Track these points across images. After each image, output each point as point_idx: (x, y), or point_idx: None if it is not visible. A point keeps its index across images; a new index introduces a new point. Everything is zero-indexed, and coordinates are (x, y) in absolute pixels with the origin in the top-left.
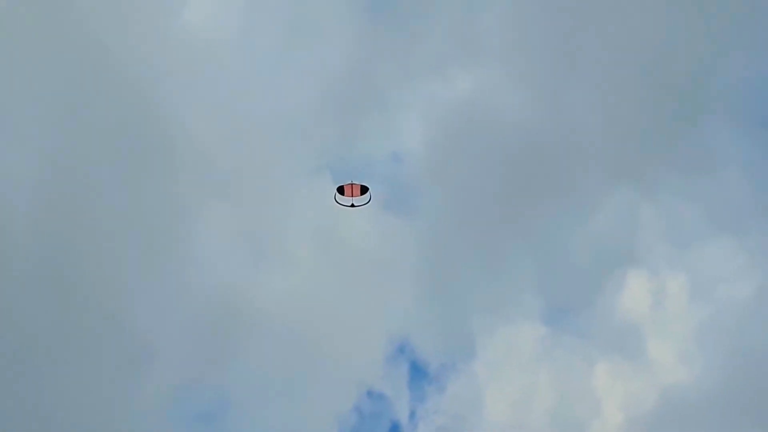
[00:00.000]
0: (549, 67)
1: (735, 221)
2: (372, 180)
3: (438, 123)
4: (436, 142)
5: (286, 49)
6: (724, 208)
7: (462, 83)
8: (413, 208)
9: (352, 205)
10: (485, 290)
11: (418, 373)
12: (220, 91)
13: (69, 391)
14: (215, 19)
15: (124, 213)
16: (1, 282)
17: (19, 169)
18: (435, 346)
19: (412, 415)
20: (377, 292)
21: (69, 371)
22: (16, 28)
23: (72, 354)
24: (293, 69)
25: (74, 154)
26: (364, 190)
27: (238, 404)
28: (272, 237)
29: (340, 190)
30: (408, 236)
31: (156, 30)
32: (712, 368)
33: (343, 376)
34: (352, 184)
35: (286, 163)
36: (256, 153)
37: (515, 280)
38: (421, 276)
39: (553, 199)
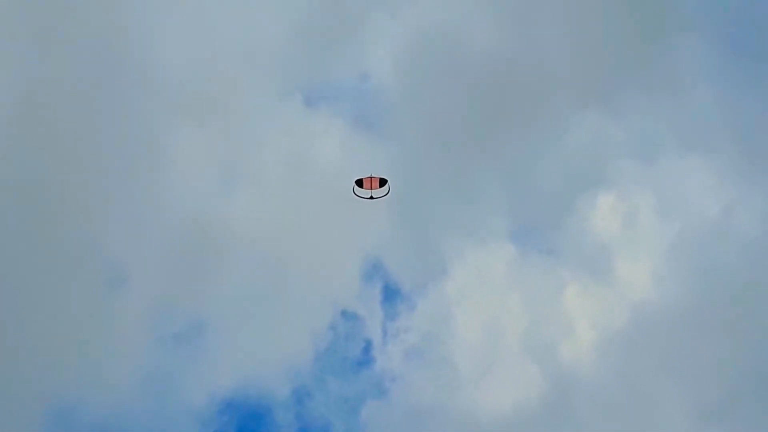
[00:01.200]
0: None
1: (704, 140)
2: (343, 102)
3: (409, 48)
4: (406, 66)
5: None
6: (693, 128)
7: (433, 8)
8: (384, 130)
9: (371, 197)
10: (456, 212)
11: (390, 293)
12: (192, 16)
13: (43, 315)
14: None
15: (97, 138)
16: None
17: None
18: (407, 267)
19: (385, 334)
20: (349, 214)
21: (43, 295)
22: None
23: (46, 278)
24: None
25: (47, 80)
26: (383, 182)
27: (213, 326)
28: (245, 161)
29: (359, 183)
30: (379, 158)
31: None
32: (682, 285)
33: (318, 297)
34: (371, 177)
35: (258, 87)
36: (228, 77)
37: (486, 202)
38: (392, 197)
39: (523, 121)
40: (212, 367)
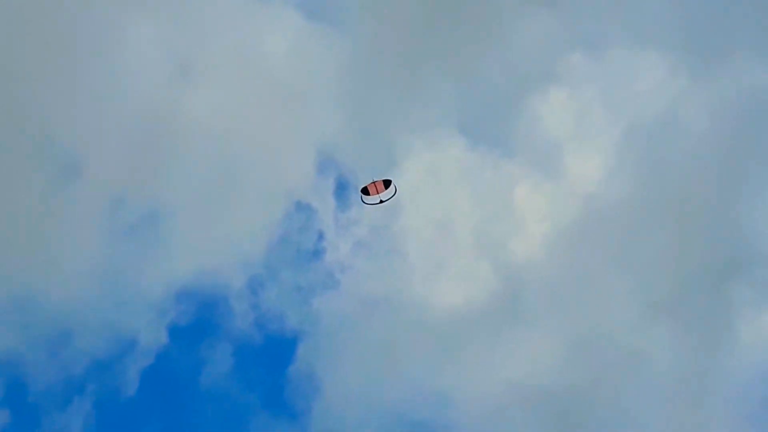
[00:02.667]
0: None
1: (653, 35)
2: None
3: None
4: None
5: None
6: (643, 23)
7: None
8: (338, 24)
9: (381, 201)
10: (408, 108)
11: (343, 185)
12: None
13: None
14: None
15: (51, 28)
16: None
17: None
18: (359, 160)
19: (337, 226)
20: (303, 107)
21: None
22: None
23: (1, 170)
24: None
25: None
26: (387, 183)
27: (169, 216)
28: (199, 52)
29: (365, 191)
30: (332, 51)
31: None
32: (631, 179)
33: (272, 188)
34: (374, 182)
35: None
36: None
37: (437, 99)
38: (344, 92)
39: (474, 18)
40: (168, 256)
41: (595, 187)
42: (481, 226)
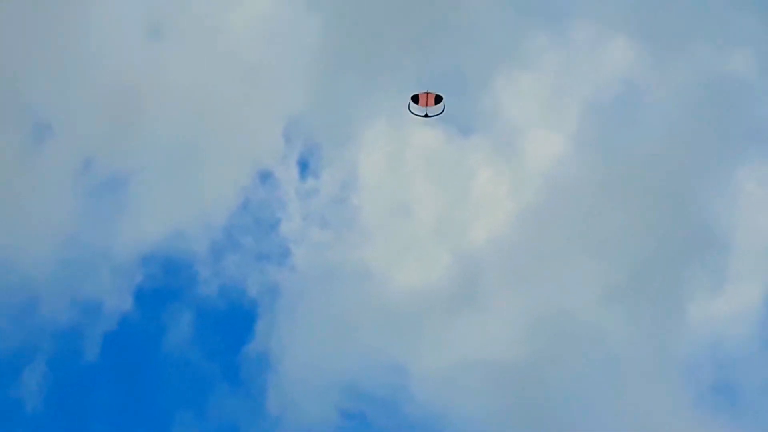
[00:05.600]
0: None
1: (619, 19)
2: None
3: None
4: None
5: None
6: (608, 5)
7: None
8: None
9: (426, 115)
10: (372, 87)
11: (307, 158)
12: None
13: None
14: None
15: None
16: None
17: None
18: (323, 136)
19: (299, 197)
20: (271, 77)
21: None
22: None
23: None
24: None
25: None
26: (438, 99)
27: (136, 179)
28: (170, 16)
29: (415, 99)
30: (302, 25)
31: None
32: (590, 160)
33: (238, 155)
34: (427, 93)
35: None
36: None
37: (401, 80)
38: (313, 66)
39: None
40: (136, 220)
41: (555, 170)
42: (441, 207)
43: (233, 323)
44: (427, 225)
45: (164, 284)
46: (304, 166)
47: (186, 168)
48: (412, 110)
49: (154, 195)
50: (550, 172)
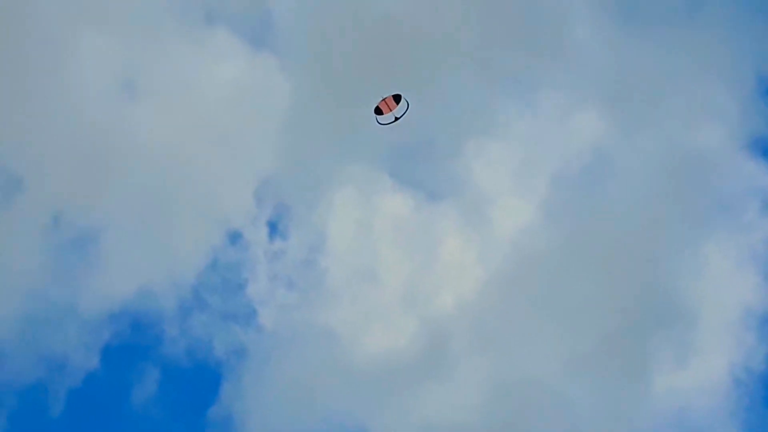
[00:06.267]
0: None
1: (588, 88)
2: (242, 20)
3: None
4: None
5: None
6: (571, 72)
7: None
8: (282, 57)
9: (396, 119)
10: (343, 150)
11: (277, 220)
12: None
13: None
14: None
15: None
16: None
17: None
18: (293, 198)
19: (267, 258)
20: (244, 137)
21: None
22: None
23: None
24: None
25: None
26: (398, 98)
27: (106, 236)
28: (144, 72)
29: (377, 110)
30: (276, 84)
31: None
32: (558, 229)
33: (211, 212)
34: (385, 100)
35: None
36: None
37: (372, 144)
38: (285, 126)
39: (412, 68)
40: (105, 276)
41: (524, 238)
42: (409, 272)
43: (199, 383)
44: (395, 290)
45: (131, 341)
46: (273, 228)
47: (156, 225)
48: (381, 122)
49: (123, 251)
50: (518, 240)
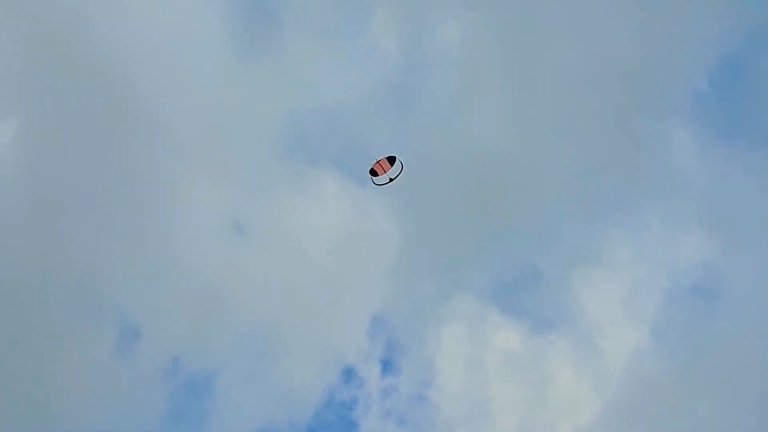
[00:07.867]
0: None
1: (693, 212)
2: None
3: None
4: None
5: None
6: (680, 202)
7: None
8: (388, 207)
9: (390, 180)
10: (452, 286)
11: (390, 358)
12: (198, 72)
13: (61, 376)
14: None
15: (108, 192)
16: None
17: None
18: (405, 335)
19: (380, 395)
20: (355, 274)
21: (58, 351)
22: None
23: (62, 336)
24: None
25: (53, 133)
26: (392, 160)
27: (221, 377)
28: (253, 215)
29: (372, 172)
30: (386, 220)
31: None
32: (672, 354)
33: (324, 352)
34: (378, 162)
35: (263, 143)
36: (239, 137)
37: (479, 283)
38: (394, 268)
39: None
40: (220, 419)
41: (637, 364)
42: (522, 406)
43: None
44: (508, 424)
45: None
46: (385, 364)
47: (271, 365)
48: (377, 183)
49: (239, 392)
50: (631, 366)
